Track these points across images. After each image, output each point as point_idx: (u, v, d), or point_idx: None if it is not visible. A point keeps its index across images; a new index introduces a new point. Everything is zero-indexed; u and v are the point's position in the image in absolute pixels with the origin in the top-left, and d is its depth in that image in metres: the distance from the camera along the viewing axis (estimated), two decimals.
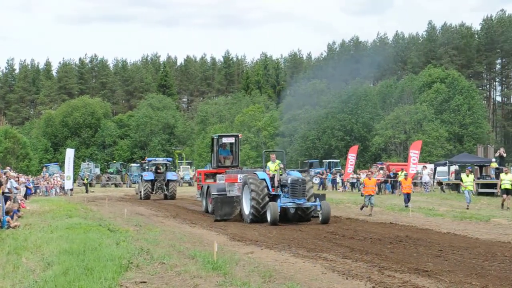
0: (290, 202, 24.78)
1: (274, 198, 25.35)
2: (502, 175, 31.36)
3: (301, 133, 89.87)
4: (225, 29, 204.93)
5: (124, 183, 78.36)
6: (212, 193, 29.07)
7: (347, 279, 12.16)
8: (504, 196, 30.11)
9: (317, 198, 25.49)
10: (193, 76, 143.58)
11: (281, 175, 25.63)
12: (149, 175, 47.00)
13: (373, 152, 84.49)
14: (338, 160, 76.93)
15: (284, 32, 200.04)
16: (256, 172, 26.39)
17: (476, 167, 45.85)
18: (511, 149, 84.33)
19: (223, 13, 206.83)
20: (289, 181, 24.74)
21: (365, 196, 29.81)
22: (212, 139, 34.67)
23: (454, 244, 17.40)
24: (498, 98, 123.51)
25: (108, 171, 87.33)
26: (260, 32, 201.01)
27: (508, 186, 30.09)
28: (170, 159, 56.56)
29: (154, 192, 47.07)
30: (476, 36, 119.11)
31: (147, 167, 49.68)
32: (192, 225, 24.64)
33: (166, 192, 47.33)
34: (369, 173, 33.39)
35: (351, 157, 53.22)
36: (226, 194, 28.31)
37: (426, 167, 50.68)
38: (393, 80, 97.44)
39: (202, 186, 32.80)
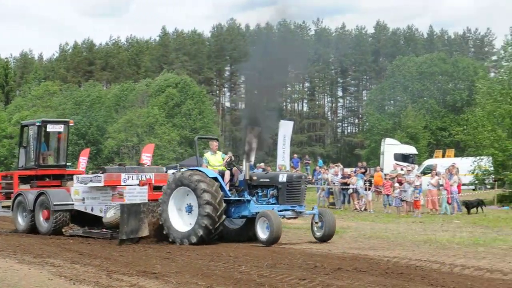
0: (287, 210, 18.08)
1: (229, 206, 18.66)
2: None
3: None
4: None
5: None
6: (54, 203, 21.64)
7: (74, 284, 11.95)
8: None
9: (314, 206, 19.34)
10: None
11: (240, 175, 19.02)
12: None
13: (107, 155, 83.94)
14: (70, 163, 75.35)
15: (14, 31, 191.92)
16: (200, 169, 18.79)
17: None
18: (239, 152, 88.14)
19: None
20: (283, 179, 18.17)
21: None
22: (23, 127, 24.79)
23: (182, 247, 17.83)
24: (227, 104, 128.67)
25: None
26: None
27: None
28: None
29: None
30: (207, 43, 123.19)
31: None
32: None
33: None
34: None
35: (82, 160, 52.76)
36: (72, 204, 21.87)
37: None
38: (129, 84, 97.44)
39: (19, 195, 23.18)
